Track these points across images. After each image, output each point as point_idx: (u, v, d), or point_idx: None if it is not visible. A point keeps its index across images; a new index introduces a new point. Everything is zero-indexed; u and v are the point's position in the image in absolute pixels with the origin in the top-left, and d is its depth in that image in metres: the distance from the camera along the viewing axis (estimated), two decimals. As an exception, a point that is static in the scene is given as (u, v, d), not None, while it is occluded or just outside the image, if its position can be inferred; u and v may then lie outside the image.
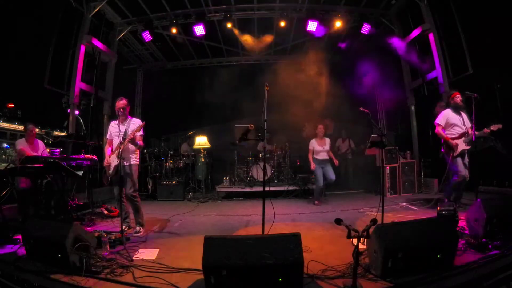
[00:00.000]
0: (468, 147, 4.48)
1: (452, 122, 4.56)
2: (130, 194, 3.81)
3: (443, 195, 4.73)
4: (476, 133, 4.41)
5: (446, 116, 4.61)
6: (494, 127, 4.36)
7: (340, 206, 5.48)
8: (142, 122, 3.79)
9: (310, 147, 5.85)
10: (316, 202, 5.81)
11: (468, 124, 4.54)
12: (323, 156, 5.78)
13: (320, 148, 5.79)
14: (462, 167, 4.44)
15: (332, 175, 5.73)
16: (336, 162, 5.87)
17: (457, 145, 4.48)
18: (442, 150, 4.71)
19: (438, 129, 4.65)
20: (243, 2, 7.58)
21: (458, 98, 4.57)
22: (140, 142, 3.83)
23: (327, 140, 5.91)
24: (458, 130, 4.55)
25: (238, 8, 7.71)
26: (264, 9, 7.78)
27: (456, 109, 4.59)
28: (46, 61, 6.43)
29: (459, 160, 4.46)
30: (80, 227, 2.75)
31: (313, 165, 5.72)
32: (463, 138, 4.51)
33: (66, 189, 4.40)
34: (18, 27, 6.96)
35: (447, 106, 4.72)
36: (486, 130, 4.39)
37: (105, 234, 3.21)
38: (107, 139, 4.04)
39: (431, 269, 2.32)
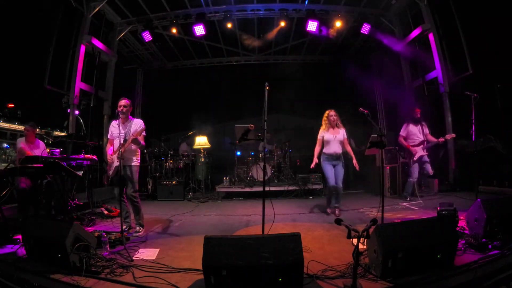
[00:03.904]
0: (425, 153, 5.57)
1: (413, 133, 5.61)
2: (131, 194, 3.81)
3: (404, 191, 5.79)
4: (434, 140, 5.52)
5: (407, 128, 5.68)
6: (448, 136, 5.42)
7: (332, 207, 5.47)
8: (143, 125, 3.80)
9: (319, 136, 4.67)
10: (328, 210, 4.83)
11: (427, 132, 5.62)
12: (335, 148, 4.53)
13: (331, 137, 4.56)
14: (417, 172, 5.57)
15: (339, 180, 4.55)
16: (356, 164, 4.59)
17: (415, 152, 5.52)
18: (405, 156, 5.84)
19: (400, 139, 5.74)
20: (243, 2, 7.59)
21: (417, 114, 5.64)
22: (142, 142, 3.85)
23: (341, 130, 4.65)
24: (417, 140, 5.57)
25: (238, 8, 7.71)
26: (264, 9, 7.78)
27: (416, 122, 5.62)
28: (46, 61, 6.43)
29: (416, 165, 5.54)
30: (80, 227, 2.74)
31: (314, 162, 4.59)
32: (421, 146, 5.54)
33: (66, 189, 4.40)
34: (18, 27, 6.95)
35: (409, 119, 5.68)
36: (441, 139, 5.42)
37: (105, 234, 3.21)
38: (108, 138, 4.04)
39: (431, 269, 2.32)
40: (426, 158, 5.55)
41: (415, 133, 5.59)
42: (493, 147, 5.71)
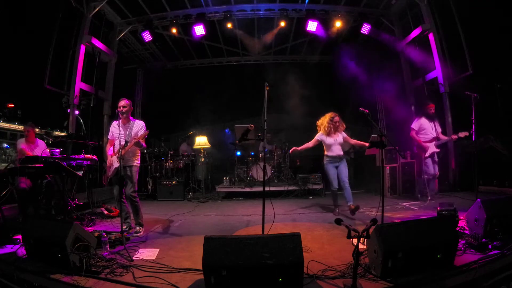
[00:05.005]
0: (437, 150, 5.31)
1: (425, 128, 5.35)
2: (130, 194, 3.82)
3: (417, 191, 5.61)
4: (446, 138, 5.35)
5: (420, 122, 5.38)
6: (461, 134, 4.97)
7: (340, 206, 5.47)
8: (146, 130, 3.81)
9: (317, 137, 4.71)
10: (336, 211, 4.77)
11: (439, 130, 5.39)
12: (337, 151, 4.63)
13: (331, 140, 4.62)
14: (431, 167, 5.25)
15: (344, 176, 4.58)
16: (367, 144, 4.42)
17: (427, 148, 5.26)
18: (416, 151, 5.54)
19: (412, 133, 5.42)
20: (243, 2, 7.59)
21: (432, 109, 5.35)
22: (143, 144, 3.86)
23: (341, 132, 4.72)
24: (429, 135, 5.32)
25: (238, 8, 7.71)
26: (264, 9, 7.78)
27: (430, 118, 5.36)
28: (46, 61, 6.43)
29: (429, 160, 5.24)
30: (80, 227, 2.74)
31: (294, 149, 4.64)
32: (434, 142, 5.30)
33: (66, 189, 4.39)
34: (18, 27, 6.96)
35: (423, 114, 5.43)
36: (454, 136, 5.06)
37: (105, 234, 3.21)
38: (108, 138, 4.04)
39: (431, 269, 2.32)
40: (436, 157, 5.34)
41: (428, 129, 5.34)
42: (493, 147, 5.70)
